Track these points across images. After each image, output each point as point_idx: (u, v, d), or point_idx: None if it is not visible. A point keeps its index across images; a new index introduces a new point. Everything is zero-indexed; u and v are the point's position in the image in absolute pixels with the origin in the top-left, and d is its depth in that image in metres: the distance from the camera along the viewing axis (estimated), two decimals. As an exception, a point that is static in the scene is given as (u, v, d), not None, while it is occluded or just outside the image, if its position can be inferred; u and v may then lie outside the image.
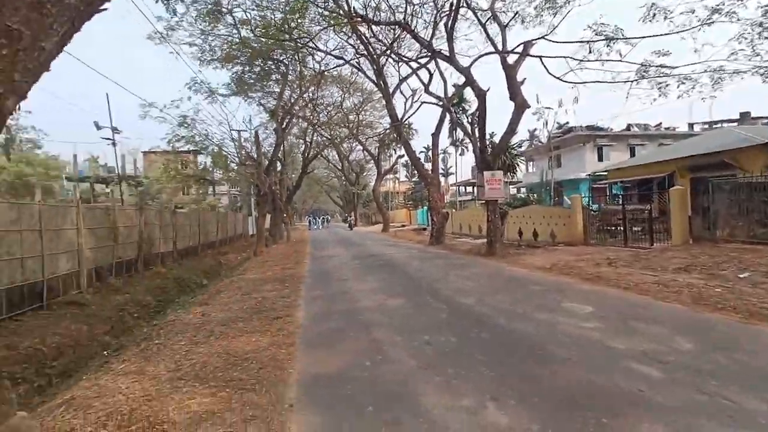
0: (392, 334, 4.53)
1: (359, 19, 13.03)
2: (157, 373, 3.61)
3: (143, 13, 18.60)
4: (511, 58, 11.32)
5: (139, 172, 38.70)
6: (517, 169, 17.99)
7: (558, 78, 10.55)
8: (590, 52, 10.59)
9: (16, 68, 2.10)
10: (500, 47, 11.47)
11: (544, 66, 10.76)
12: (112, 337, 7.09)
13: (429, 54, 13.71)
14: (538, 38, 11.26)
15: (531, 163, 33.07)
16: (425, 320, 5.05)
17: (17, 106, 2.34)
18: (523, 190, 35.42)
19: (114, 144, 18.04)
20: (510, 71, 11.33)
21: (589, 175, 24.88)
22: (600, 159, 27.19)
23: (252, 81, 18.35)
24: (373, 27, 14.50)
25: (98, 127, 18.39)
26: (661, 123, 30.87)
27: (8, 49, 2.05)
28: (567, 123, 32.89)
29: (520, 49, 11.26)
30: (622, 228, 12.87)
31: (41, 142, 32.69)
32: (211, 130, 17.73)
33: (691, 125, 29.99)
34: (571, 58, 10.83)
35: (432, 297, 6.41)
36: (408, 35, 13.69)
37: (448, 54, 12.24)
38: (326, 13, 13.52)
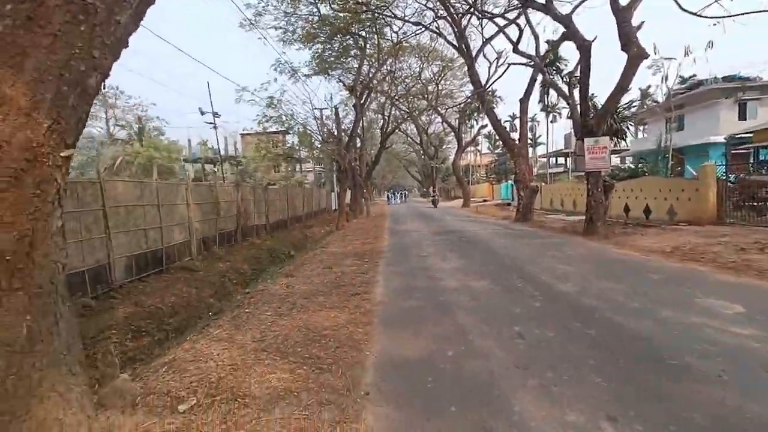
0: (477, 321, 4.09)
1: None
2: (244, 342, 3.76)
3: (235, 4, 19.93)
4: (625, -2, 9.26)
5: (238, 153, 43.17)
6: (627, 134, 15.25)
7: (694, 14, 8.27)
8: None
9: (94, 44, 2.09)
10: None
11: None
12: (216, 300, 7.96)
13: (520, 5, 12.03)
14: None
15: (641, 127, 28.11)
16: (515, 307, 4.48)
17: (101, 85, 2.39)
18: (628, 159, 30.52)
19: (215, 127, 20.03)
20: (622, 14, 9.32)
21: (727, 138, 20.15)
22: (742, 117, 21.83)
23: (332, 59, 18.56)
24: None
25: (202, 113, 20.59)
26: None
27: (85, 25, 2.04)
28: (694, 76, 26.99)
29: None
30: (776, 204, 10.15)
31: (164, 129, 38.32)
32: (296, 110, 18.56)
33: None
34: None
35: (522, 280, 5.73)
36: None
37: (543, 1, 10.54)
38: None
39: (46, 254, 2.04)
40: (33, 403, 1.91)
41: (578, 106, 11.69)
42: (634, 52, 9.29)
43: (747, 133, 19.79)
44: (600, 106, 12.09)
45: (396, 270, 7.01)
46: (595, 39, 9.64)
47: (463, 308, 4.55)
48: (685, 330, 3.57)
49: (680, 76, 24.07)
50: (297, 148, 31.62)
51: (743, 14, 7.70)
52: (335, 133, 18.18)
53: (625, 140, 15.26)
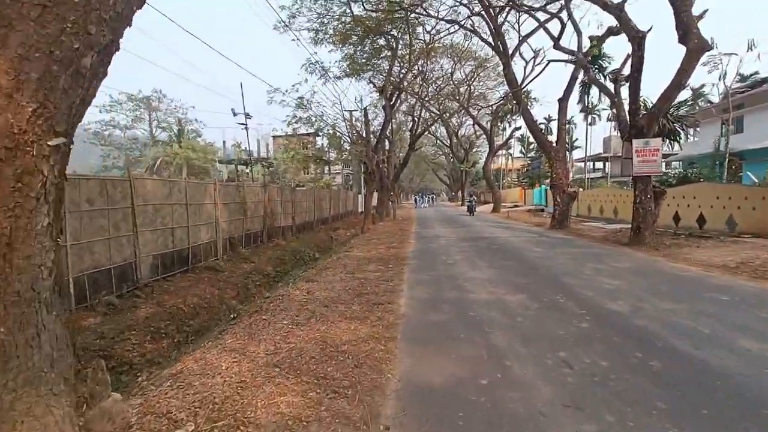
0: (514, 343, 3.59)
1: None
2: (256, 354, 3.48)
3: (270, 4, 20.18)
4: (686, -17, 8.37)
5: (270, 155, 44.16)
6: (681, 136, 13.98)
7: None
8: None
9: (89, 18, 1.84)
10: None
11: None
12: (237, 302, 7.85)
13: None
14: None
15: (693, 129, 26.00)
16: (558, 328, 3.93)
17: (104, 68, 2.15)
18: (675, 164, 28.29)
19: (246, 128, 20.38)
20: (681, 2, 8.44)
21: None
22: (812, 119, 19.59)
23: (363, 60, 18.41)
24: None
25: (234, 114, 21.03)
26: None
27: (79, -4, 1.81)
28: (756, 73, 24.68)
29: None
30: None
31: (201, 131, 39.86)
32: (326, 111, 18.53)
33: None
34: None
35: (564, 296, 5.13)
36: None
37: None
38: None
39: (27, 257, 1.81)
40: (3, 430, 1.68)
41: (624, 105, 10.79)
42: (694, 44, 8.38)
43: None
44: (648, 107, 11.11)
45: (422, 278, 6.57)
46: (650, 29, 8.79)
47: (498, 326, 4.06)
48: (777, 369, 2.93)
49: (740, 74, 22.00)
50: (326, 149, 31.84)
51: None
52: (363, 135, 17.97)
53: (678, 142, 13.96)
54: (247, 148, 27.34)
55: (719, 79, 19.65)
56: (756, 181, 17.06)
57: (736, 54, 16.97)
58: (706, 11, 8.49)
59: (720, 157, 18.24)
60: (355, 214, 29.19)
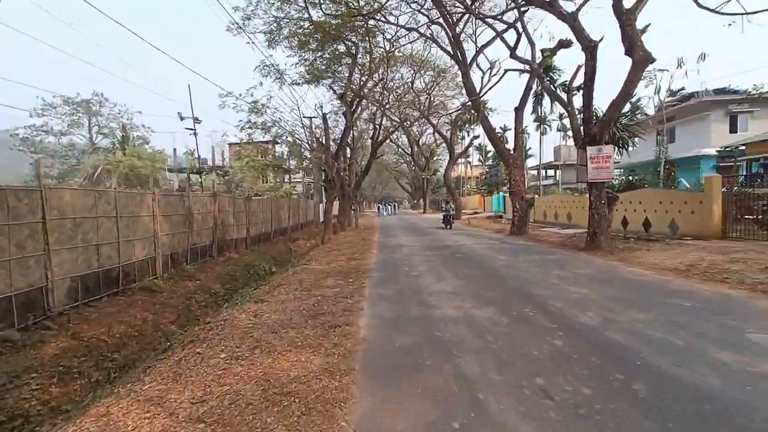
0: (487, 368, 3.19)
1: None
2: (178, 405, 2.80)
3: (223, 6, 19.12)
4: (630, -1, 8.75)
5: (226, 163, 41.99)
6: (628, 144, 14.77)
7: (713, 11, 7.65)
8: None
9: None
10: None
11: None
12: (178, 327, 6.90)
13: (523, 2, 11.44)
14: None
15: (637, 138, 28.10)
16: (531, 347, 3.60)
17: None
18: (616, 171, 30.31)
19: (195, 134, 19.02)
20: (627, 17, 8.81)
21: (720, 150, 19.95)
22: (733, 130, 21.76)
23: (323, 67, 17.87)
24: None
25: (182, 118, 19.57)
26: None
27: None
28: (682, 89, 27.10)
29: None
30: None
31: (149, 138, 37.11)
32: (284, 117, 17.73)
33: None
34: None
35: (532, 308, 4.87)
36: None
37: (547, -1, 9.94)
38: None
39: None
40: None
41: (578, 115, 11.12)
42: (639, 56, 8.74)
43: (741, 145, 19.62)
44: (599, 116, 11.56)
45: (384, 293, 6.09)
46: (602, 39, 9.08)
47: (467, 348, 3.65)
48: (757, 382, 2.74)
49: (669, 89, 24.07)
50: (285, 157, 30.65)
51: (761, 11, 7.13)
52: (323, 142, 17.36)
53: (627, 150, 14.73)
54: (197, 155, 25.56)
55: (654, 93, 21.29)
56: (688, 186, 18.52)
57: (667, 70, 18.47)
58: (648, 25, 8.90)
59: (658, 164, 19.65)
60: (316, 224, 28.25)
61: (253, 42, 15.42)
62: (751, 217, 10.67)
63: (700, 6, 7.68)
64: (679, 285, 5.99)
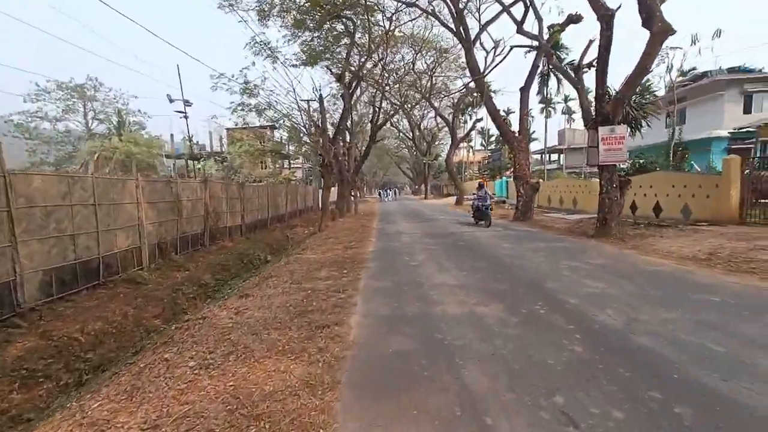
0: (496, 382, 2.71)
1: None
2: (127, 429, 2.33)
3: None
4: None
5: (224, 148, 41.23)
6: (642, 124, 14.02)
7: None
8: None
9: None
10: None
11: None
12: (163, 321, 6.46)
13: None
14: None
15: (645, 119, 27.18)
16: (546, 354, 3.11)
17: None
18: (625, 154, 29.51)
19: (186, 117, 18.32)
20: (646, -17, 8.03)
21: (732, 131, 19.14)
22: (747, 111, 20.85)
23: (321, 48, 16.99)
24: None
25: (171, 100, 18.84)
26: None
27: None
28: (694, 69, 26.00)
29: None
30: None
31: (145, 123, 36.32)
32: (280, 100, 16.97)
33: None
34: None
35: (544, 305, 4.37)
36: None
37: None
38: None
39: None
40: None
41: (588, 94, 10.42)
42: (659, 27, 8.00)
43: (753, 126, 18.80)
44: (611, 95, 10.83)
45: (381, 286, 5.61)
46: (619, 7, 8.32)
47: (473, 356, 3.17)
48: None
49: (680, 69, 23.01)
50: (284, 143, 29.86)
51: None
52: (320, 125, 16.66)
53: (640, 130, 14.00)
54: (189, 139, 24.84)
55: (666, 72, 20.30)
56: (698, 169, 17.84)
57: (681, 48, 17.52)
58: (670, -8, 8.12)
59: (668, 147, 18.90)
60: (315, 210, 27.73)
61: (245, 21, 14.57)
62: (767, 200, 10.10)
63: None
64: (702, 276, 5.48)
